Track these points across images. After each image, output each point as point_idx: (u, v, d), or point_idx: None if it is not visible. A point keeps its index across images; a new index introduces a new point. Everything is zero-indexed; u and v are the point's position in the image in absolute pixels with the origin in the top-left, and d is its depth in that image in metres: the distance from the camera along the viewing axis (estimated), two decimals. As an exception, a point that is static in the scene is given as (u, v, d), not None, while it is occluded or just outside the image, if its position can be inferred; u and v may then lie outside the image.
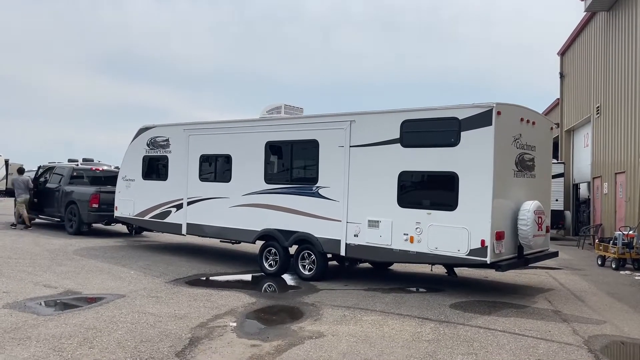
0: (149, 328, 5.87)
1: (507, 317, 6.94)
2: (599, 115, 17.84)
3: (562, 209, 19.75)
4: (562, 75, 23.16)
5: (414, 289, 8.95)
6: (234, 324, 6.22)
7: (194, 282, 8.87)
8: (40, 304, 6.93)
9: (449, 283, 9.26)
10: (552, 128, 9.86)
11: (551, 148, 10.07)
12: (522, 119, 8.39)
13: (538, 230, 8.25)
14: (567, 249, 15.82)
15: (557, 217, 18.56)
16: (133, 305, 6.93)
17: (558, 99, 23.86)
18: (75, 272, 9.08)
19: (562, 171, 20.36)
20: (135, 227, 15.12)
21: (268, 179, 9.96)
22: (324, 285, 8.77)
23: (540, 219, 8.30)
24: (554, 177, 14.01)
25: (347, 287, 8.73)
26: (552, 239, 11.00)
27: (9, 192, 29.90)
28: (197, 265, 10.55)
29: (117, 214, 13.07)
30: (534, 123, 8.70)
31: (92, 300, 7.21)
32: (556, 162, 19.61)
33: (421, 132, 8.28)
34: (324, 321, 6.46)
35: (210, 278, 9.43)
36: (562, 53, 23.04)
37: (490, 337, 5.98)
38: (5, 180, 31.23)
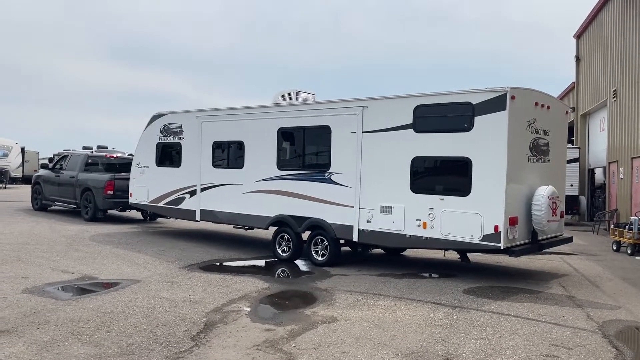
0: (164, 313, 5.96)
1: (521, 302, 6.93)
2: (615, 99, 17.56)
3: (577, 194, 19.55)
4: (578, 59, 22.79)
5: (427, 275, 8.96)
6: (248, 309, 6.29)
7: (208, 267, 8.96)
8: (58, 288, 7.06)
9: (462, 269, 9.25)
10: (567, 112, 9.73)
11: (566, 133, 9.95)
12: (536, 104, 8.29)
13: (552, 215, 8.19)
14: (582, 234, 15.70)
15: (571, 203, 18.39)
16: (148, 290, 7.03)
17: (574, 82, 23.51)
18: (92, 258, 9.22)
19: (577, 156, 20.11)
20: (150, 214, 15.26)
21: (280, 165, 9.97)
22: (336, 271, 8.82)
23: (554, 204, 8.23)
24: (569, 162, 13.85)
25: (359, 272, 8.77)
26: (566, 224, 10.91)
27: (25, 180, 30.26)
28: (211, 250, 10.64)
29: (131, 200, 13.21)
30: (548, 107, 8.58)
31: (108, 286, 7.33)
32: (571, 146, 19.37)
33: (434, 117, 8.22)
34: (337, 306, 6.50)
35: (224, 263, 9.52)
36: (579, 36, 22.64)
37: (503, 322, 5.98)
38: (22, 168, 31.47)
